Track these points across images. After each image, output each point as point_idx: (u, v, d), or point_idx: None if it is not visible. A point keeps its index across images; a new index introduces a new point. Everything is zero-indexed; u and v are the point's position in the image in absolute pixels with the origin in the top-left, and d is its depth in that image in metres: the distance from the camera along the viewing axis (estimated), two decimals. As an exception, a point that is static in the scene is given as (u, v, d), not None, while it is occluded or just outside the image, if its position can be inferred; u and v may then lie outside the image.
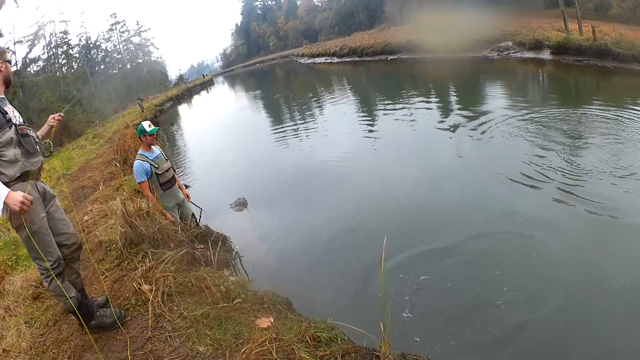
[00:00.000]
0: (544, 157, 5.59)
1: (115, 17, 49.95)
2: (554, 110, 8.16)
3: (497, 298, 3.09)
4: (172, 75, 56.98)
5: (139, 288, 2.86)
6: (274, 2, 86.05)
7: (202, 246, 3.42)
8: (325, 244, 4.32)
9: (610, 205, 4.07)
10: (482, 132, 7.27)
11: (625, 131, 6.32)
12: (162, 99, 31.91)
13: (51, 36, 36.84)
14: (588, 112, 7.78)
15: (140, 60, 51.65)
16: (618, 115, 7.23)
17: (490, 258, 3.60)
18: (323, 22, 70.10)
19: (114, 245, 3.91)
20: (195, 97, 34.35)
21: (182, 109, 27.94)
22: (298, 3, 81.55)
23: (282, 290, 3.10)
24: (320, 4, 76.29)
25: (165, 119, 22.94)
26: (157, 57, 53.45)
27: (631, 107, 7.84)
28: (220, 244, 3.51)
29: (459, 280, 3.38)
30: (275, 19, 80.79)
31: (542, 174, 5.05)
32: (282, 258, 4.23)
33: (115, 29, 53.12)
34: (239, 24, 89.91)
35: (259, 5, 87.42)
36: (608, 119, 7.16)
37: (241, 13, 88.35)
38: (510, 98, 10.27)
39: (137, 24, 55.63)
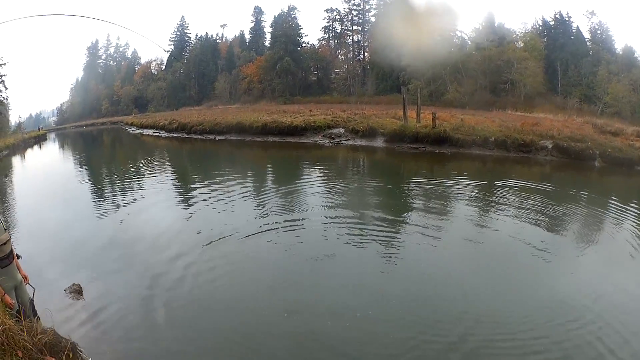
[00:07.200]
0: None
1: (-23, 41, 41.98)
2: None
3: None
4: (12, 121, 50.73)
5: None
6: (115, 64, 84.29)
7: (54, 360, 3.19)
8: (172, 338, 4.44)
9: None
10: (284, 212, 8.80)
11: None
12: (0, 146, 29.41)
13: None
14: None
15: (-13, 98, 43.30)
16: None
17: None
18: (155, 92, 71.19)
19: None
20: (29, 150, 33.30)
21: (17, 160, 26.53)
22: (136, 68, 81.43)
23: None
24: (156, 72, 77.25)
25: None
26: (4, 98, 45.92)
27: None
28: (71, 355, 3.31)
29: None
30: (113, 82, 79.27)
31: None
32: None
33: (-25, 55, 43.38)
34: (79, 79, 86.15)
35: (101, 64, 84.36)
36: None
37: (83, 69, 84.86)
38: (325, 183, 11.99)
39: (-4, 55, 46.31)
